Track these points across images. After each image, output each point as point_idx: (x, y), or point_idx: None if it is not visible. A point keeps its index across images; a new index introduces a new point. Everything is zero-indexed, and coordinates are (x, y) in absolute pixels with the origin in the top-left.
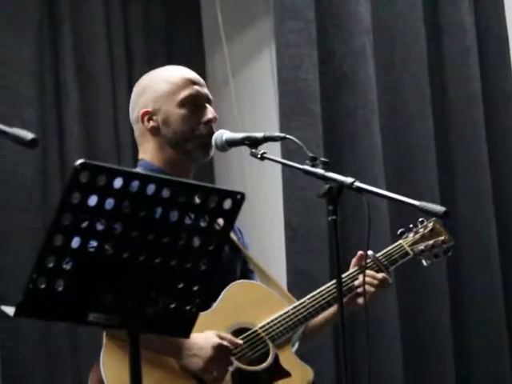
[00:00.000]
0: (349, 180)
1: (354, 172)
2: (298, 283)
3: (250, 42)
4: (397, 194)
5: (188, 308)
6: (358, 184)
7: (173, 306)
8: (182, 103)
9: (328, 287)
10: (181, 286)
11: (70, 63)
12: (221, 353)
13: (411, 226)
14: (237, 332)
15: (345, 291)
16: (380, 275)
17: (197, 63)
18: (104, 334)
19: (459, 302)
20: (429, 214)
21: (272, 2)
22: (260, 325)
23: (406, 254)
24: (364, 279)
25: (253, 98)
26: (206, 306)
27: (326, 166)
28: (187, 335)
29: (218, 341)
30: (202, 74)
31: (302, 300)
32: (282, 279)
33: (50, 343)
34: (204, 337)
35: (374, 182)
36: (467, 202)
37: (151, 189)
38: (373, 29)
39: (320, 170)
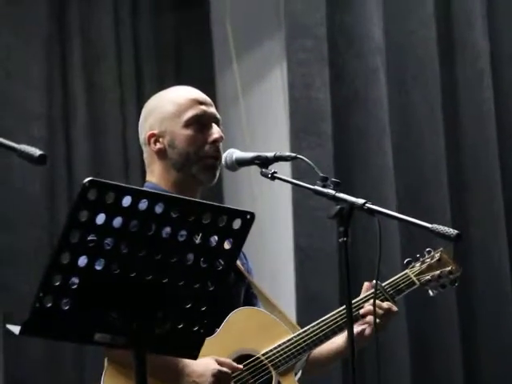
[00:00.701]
0: (360, 201)
1: (365, 192)
2: (308, 304)
3: (260, 59)
4: (408, 214)
5: (196, 328)
6: (369, 205)
7: (180, 326)
8: (187, 123)
9: (333, 315)
10: (189, 306)
11: (79, 79)
12: (220, 380)
13: (418, 255)
14: (240, 358)
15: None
16: (385, 304)
17: (207, 81)
18: (105, 359)
19: (470, 327)
20: (441, 236)
21: (283, 19)
22: (263, 351)
23: (413, 283)
24: (375, 308)
25: (263, 117)
26: (212, 328)
27: (337, 187)
28: (195, 356)
29: (217, 367)
30: (212, 91)
31: (306, 328)
32: (291, 300)
33: (54, 360)
34: (203, 363)
35: (384, 203)
36: (479, 224)
37: (160, 207)
38: (385, 47)
39: (331, 191)
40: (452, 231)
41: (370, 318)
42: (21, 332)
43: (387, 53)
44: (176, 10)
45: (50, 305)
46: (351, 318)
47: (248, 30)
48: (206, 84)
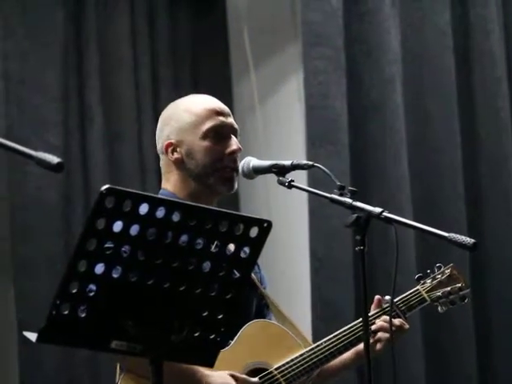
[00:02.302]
0: (377, 210)
1: (381, 202)
2: (323, 312)
3: (277, 68)
4: (424, 225)
5: (212, 337)
6: (386, 214)
7: (197, 334)
8: (206, 135)
9: (346, 330)
10: (205, 314)
11: (95, 87)
12: None
13: (428, 271)
14: (252, 372)
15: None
16: (397, 321)
17: (223, 89)
18: (117, 367)
19: (486, 339)
20: (458, 245)
21: (300, 28)
22: (276, 366)
23: (424, 300)
24: (391, 321)
25: (280, 125)
26: (228, 337)
27: (354, 196)
28: (211, 364)
29: (233, 383)
30: (229, 100)
31: (319, 342)
32: (306, 308)
33: (69, 370)
34: (221, 377)
35: (401, 213)
36: (495, 235)
37: (177, 215)
38: (402, 57)
39: (348, 200)
40: (469, 240)
41: (381, 334)
42: (37, 339)
43: (404, 62)
44: (193, 18)
45: (66, 312)
46: (367, 330)
47: (265, 39)
48: (223, 92)
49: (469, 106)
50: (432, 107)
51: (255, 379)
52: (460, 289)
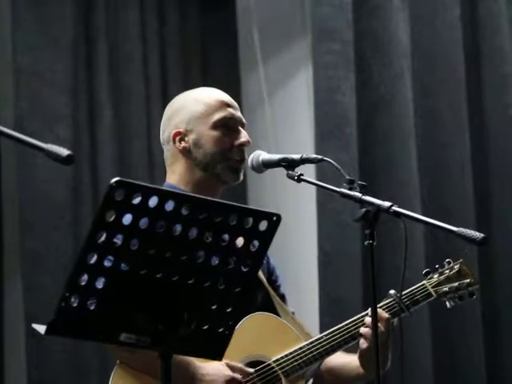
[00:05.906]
0: (386, 204)
1: (389, 197)
2: (331, 307)
3: (286, 62)
4: (432, 219)
5: (221, 330)
6: (395, 208)
7: (205, 327)
8: (216, 125)
9: (347, 324)
10: (214, 307)
11: (105, 81)
12: None
13: (437, 266)
14: (251, 364)
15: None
16: (385, 316)
17: (232, 83)
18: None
19: (494, 335)
20: (467, 240)
21: (309, 22)
22: (274, 358)
23: (429, 295)
24: (400, 319)
25: (288, 120)
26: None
27: (363, 190)
28: (220, 357)
29: (229, 374)
30: (238, 94)
31: (319, 336)
32: (314, 303)
33: (78, 363)
34: (215, 368)
35: (409, 208)
36: (503, 231)
37: (186, 209)
38: (411, 52)
39: (357, 194)
40: (478, 234)
41: (362, 341)
42: (47, 331)
43: (413, 57)
44: (202, 13)
45: (75, 304)
46: (376, 325)
47: (274, 33)
48: (232, 86)
49: (478, 101)
50: (441, 102)
51: (251, 369)
52: (469, 284)
